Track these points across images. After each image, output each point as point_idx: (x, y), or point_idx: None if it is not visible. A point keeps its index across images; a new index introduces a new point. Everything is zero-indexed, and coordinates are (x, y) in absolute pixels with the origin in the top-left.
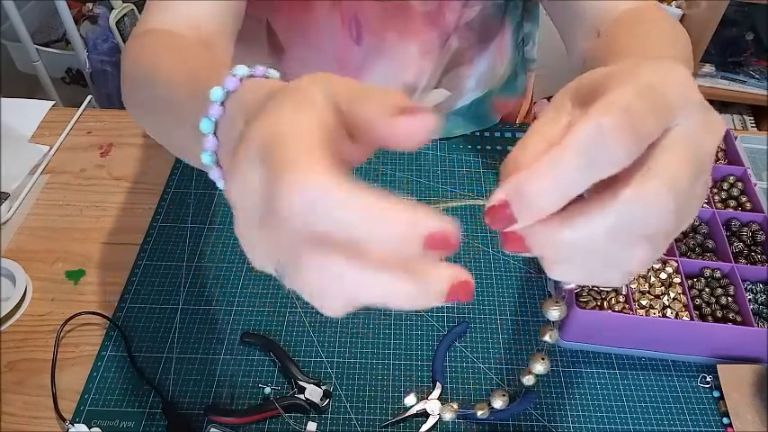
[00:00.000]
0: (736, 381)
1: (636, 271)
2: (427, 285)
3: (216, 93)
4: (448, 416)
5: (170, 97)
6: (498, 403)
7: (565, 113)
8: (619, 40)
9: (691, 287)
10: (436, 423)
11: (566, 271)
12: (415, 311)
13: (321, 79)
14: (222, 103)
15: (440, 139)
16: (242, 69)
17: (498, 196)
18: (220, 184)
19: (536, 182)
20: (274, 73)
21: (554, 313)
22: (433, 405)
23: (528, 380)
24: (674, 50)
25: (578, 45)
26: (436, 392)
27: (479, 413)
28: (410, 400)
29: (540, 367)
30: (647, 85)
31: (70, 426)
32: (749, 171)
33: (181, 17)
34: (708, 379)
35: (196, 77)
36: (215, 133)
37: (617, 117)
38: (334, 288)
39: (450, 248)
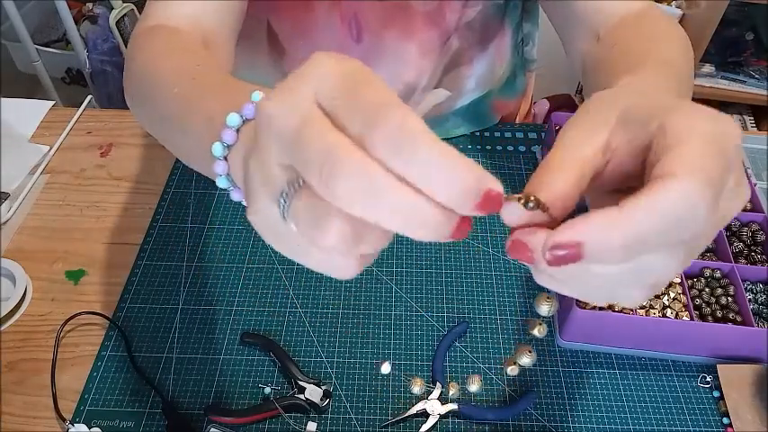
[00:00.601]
0: (736, 381)
1: (664, 284)
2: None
3: (233, 119)
4: (527, 360)
5: (178, 107)
6: (525, 360)
7: (605, 130)
8: (631, 46)
9: (691, 287)
10: (436, 423)
11: (580, 291)
12: (416, 311)
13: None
14: (237, 130)
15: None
16: (258, 96)
17: (566, 238)
18: (235, 197)
19: (608, 235)
20: None
21: (545, 308)
22: (433, 405)
23: (512, 370)
24: (683, 53)
25: (577, 46)
26: (436, 392)
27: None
28: (385, 368)
29: (526, 359)
30: (717, 146)
31: (70, 426)
32: (749, 171)
33: (183, 16)
34: (708, 379)
35: (210, 91)
36: (226, 158)
37: (703, 187)
38: (362, 206)
39: (497, 210)
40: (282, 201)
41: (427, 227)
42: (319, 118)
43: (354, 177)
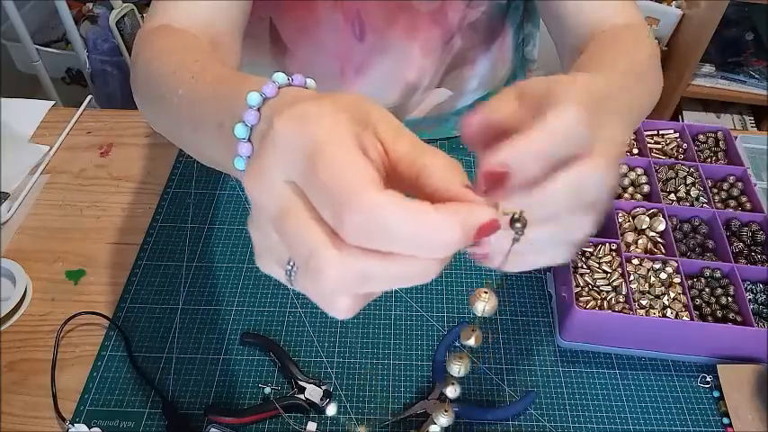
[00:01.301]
0: (736, 381)
1: (582, 241)
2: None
3: (253, 98)
4: (444, 420)
5: (192, 98)
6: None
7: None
8: (594, 53)
9: (691, 287)
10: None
11: (524, 263)
12: (416, 311)
13: (361, 102)
14: (258, 109)
15: (440, 140)
16: (281, 77)
17: (493, 160)
18: None
19: (527, 146)
20: (312, 83)
21: (480, 307)
22: (433, 405)
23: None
24: (642, 65)
25: (566, 54)
26: (436, 392)
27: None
28: (331, 410)
29: (471, 341)
30: (591, 96)
31: (70, 426)
32: (749, 171)
33: (188, 15)
34: (708, 379)
35: (225, 81)
36: (249, 139)
37: (581, 110)
38: (354, 284)
39: (495, 231)
40: (289, 268)
41: (425, 278)
42: (294, 208)
43: (341, 271)
